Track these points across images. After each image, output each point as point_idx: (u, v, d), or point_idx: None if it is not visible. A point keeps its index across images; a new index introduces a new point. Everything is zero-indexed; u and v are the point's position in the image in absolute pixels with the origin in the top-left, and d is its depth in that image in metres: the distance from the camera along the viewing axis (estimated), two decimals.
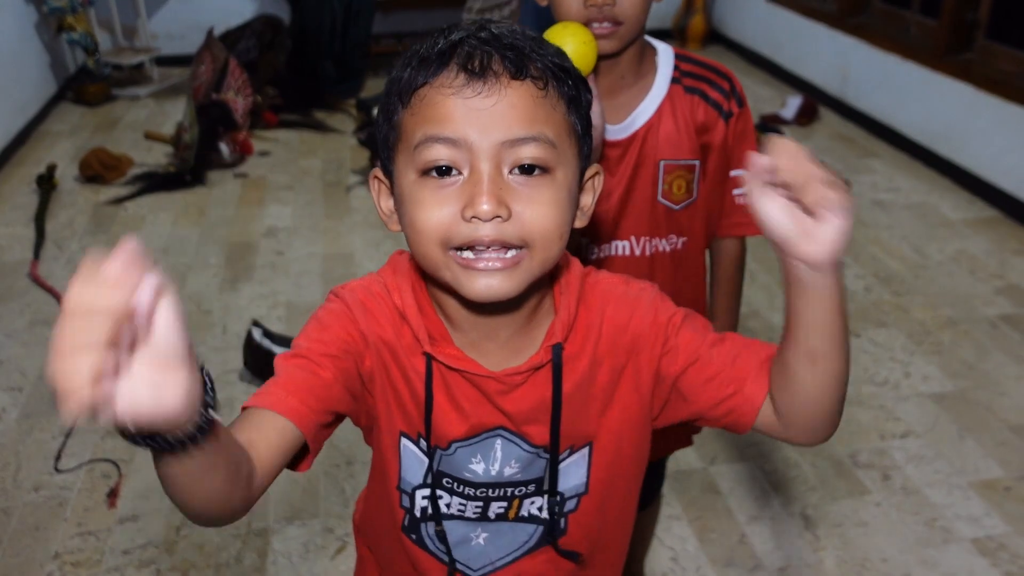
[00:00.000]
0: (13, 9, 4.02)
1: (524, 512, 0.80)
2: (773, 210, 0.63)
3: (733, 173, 1.17)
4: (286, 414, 0.70)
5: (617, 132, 1.11)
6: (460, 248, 0.66)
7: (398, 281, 0.76)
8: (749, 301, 2.66)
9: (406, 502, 0.81)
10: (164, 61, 4.91)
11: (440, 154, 0.65)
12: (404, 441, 0.78)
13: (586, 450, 0.79)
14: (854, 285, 2.75)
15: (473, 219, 0.65)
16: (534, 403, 0.76)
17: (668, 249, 1.18)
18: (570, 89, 0.69)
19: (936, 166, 3.57)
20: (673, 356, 0.76)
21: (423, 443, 0.78)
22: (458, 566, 0.82)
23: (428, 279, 0.74)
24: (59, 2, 4.21)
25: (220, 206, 3.35)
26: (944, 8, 3.49)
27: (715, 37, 5.47)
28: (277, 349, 2.30)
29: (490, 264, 0.66)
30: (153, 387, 0.46)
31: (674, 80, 1.13)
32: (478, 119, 0.64)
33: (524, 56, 0.66)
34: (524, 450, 0.77)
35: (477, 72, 0.65)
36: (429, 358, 0.74)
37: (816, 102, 4.22)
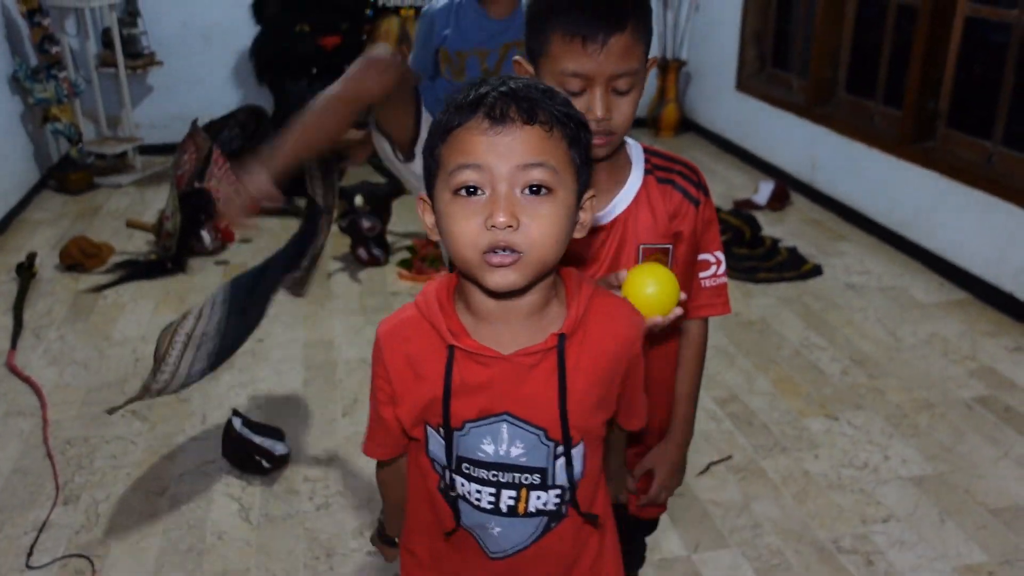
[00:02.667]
0: (1, 100, 4.08)
1: (532, 508, 0.98)
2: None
3: (700, 257, 1.26)
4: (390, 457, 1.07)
5: (599, 218, 1.18)
6: (485, 252, 0.86)
7: (426, 297, 0.97)
8: (727, 385, 2.68)
9: (438, 470, 1.00)
10: (147, 150, 4.97)
11: (469, 177, 0.86)
12: (428, 428, 0.98)
13: (581, 447, 0.98)
14: (830, 368, 2.78)
15: (492, 227, 0.85)
16: (539, 391, 0.93)
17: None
18: (571, 131, 0.89)
19: (906, 250, 3.66)
20: (627, 379, 1.01)
21: (441, 430, 0.96)
22: (479, 542, 1.01)
23: (460, 278, 0.95)
24: (45, 94, 4.28)
25: (201, 293, 3.35)
26: (906, 98, 3.63)
27: (687, 125, 5.63)
28: (257, 439, 2.29)
29: (502, 262, 0.87)
30: None
31: (647, 171, 1.22)
32: (496, 150, 0.85)
33: (535, 105, 0.86)
34: (528, 432, 0.94)
35: (498, 118, 0.85)
36: (451, 349, 0.93)
37: (787, 187, 4.34)
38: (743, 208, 4.15)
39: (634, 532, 1.46)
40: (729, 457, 2.34)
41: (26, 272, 3.40)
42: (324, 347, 2.95)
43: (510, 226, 0.84)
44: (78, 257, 3.53)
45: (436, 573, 1.09)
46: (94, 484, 2.25)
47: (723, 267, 1.29)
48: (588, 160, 0.91)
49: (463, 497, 0.98)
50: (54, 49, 4.36)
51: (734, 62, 5.00)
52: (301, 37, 4.52)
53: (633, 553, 1.49)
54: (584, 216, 0.93)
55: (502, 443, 0.95)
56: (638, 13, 1.09)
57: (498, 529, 0.99)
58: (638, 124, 5.57)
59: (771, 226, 3.97)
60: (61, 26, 4.52)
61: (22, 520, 2.12)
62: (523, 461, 0.95)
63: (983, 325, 3.07)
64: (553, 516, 0.99)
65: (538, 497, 0.97)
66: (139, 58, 4.81)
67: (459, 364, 0.93)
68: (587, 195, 0.93)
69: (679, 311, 1.08)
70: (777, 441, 2.42)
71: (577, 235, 0.93)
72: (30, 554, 2.00)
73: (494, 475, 0.96)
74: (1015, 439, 2.41)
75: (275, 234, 3.97)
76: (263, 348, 2.93)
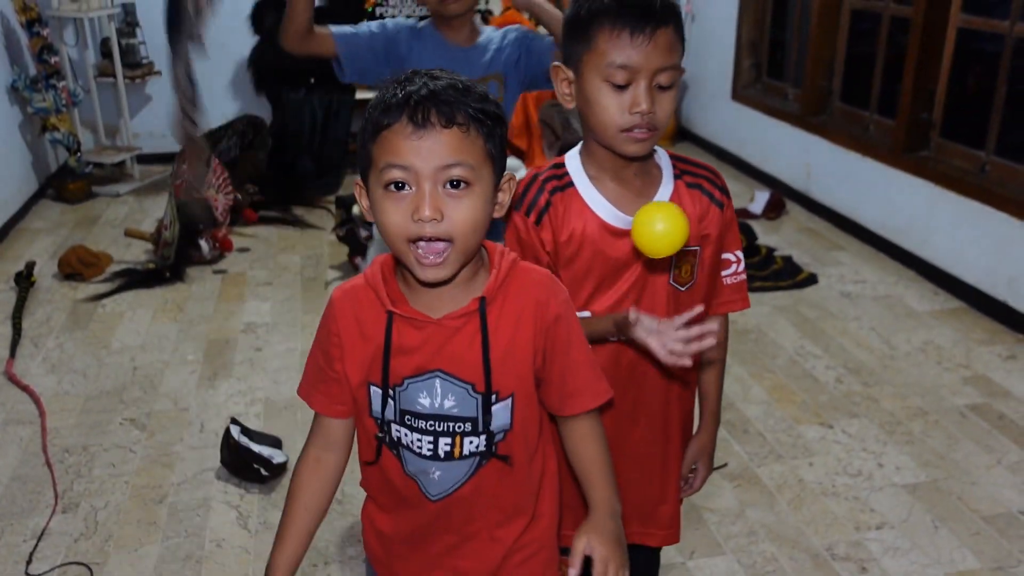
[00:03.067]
0: None
1: (465, 451, 1.08)
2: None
3: (722, 256, 1.32)
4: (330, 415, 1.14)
5: (632, 219, 1.19)
6: (413, 240, 0.98)
7: (372, 269, 1.08)
8: (723, 392, 2.69)
9: (381, 427, 1.10)
10: (145, 159, 4.99)
11: (396, 175, 0.97)
12: (371, 387, 1.09)
13: (509, 400, 1.07)
14: (825, 376, 2.80)
15: (419, 220, 0.96)
16: (465, 350, 1.05)
17: None
18: (487, 128, 0.99)
19: (901, 259, 3.68)
20: (553, 348, 1.08)
21: (382, 389, 1.07)
22: (420, 487, 1.11)
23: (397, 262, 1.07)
24: (44, 103, 4.30)
25: (199, 302, 3.37)
26: (900, 108, 3.66)
27: (684, 134, 5.66)
28: (255, 447, 2.30)
29: (431, 259, 0.98)
30: None
31: (676, 176, 1.27)
32: (420, 153, 0.95)
33: (454, 108, 0.96)
34: (458, 386, 1.06)
35: (420, 123, 0.95)
36: (390, 315, 1.05)
37: (783, 197, 4.36)
38: (739, 217, 4.17)
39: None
40: (724, 464, 2.35)
41: (25, 281, 3.41)
42: None
43: (435, 219, 0.96)
44: (76, 266, 3.54)
45: (393, 529, 1.18)
46: (93, 492, 2.26)
47: (742, 265, 1.35)
48: (503, 150, 1.02)
49: (407, 447, 1.09)
50: (53, 59, 4.38)
51: (729, 72, 5.04)
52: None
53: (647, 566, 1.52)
54: (502, 197, 1.05)
55: (436, 396, 1.06)
56: (678, 13, 1.17)
57: (438, 473, 1.10)
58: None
59: (767, 235, 3.99)
60: (60, 36, 4.55)
61: (21, 527, 2.13)
62: (455, 412, 1.07)
63: (977, 333, 3.09)
64: (484, 455, 1.10)
65: (471, 442, 1.08)
66: (137, 68, 4.83)
67: (397, 327, 1.05)
68: (505, 178, 1.04)
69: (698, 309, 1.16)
70: (772, 449, 2.43)
71: (496, 215, 1.04)
72: (29, 561, 2.01)
73: (431, 425, 1.07)
74: (1008, 447, 2.43)
75: (271, 243, 4.00)
76: (260, 357, 2.95)
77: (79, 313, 3.27)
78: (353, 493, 2.25)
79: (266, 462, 2.29)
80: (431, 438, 1.08)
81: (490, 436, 1.08)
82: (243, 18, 4.63)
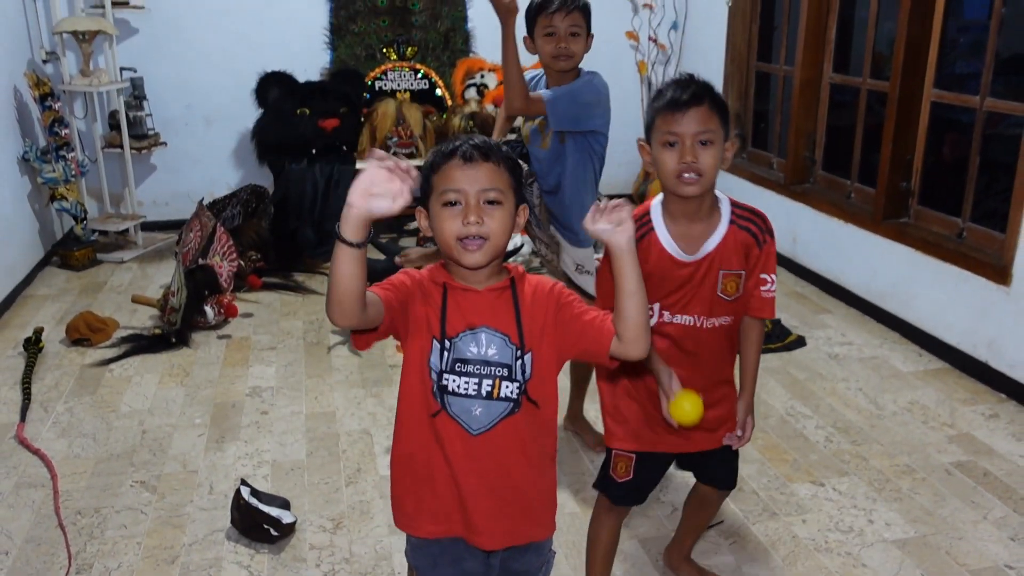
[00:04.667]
0: (10, 180, 4.23)
1: (503, 394, 1.44)
2: (604, 229, 1.36)
3: (761, 276, 1.78)
4: (380, 295, 1.40)
5: (692, 256, 1.73)
6: (461, 239, 1.38)
7: (429, 269, 1.48)
8: None
9: (433, 376, 1.44)
10: (148, 226, 5.11)
11: (451, 196, 1.39)
12: (434, 341, 1.43)
13: (530, 354, 1.45)
14: (815, 435, 2.90)
15: (467, 224, 1.37)
16: (503, 311, 1.44)
17: (718, 324, 1.80)
18: (510, 166, 1.42)
19: (885, 321, 3.81)
20: (567, 310, 1.45)
21: (440, 341, 1.43)
22: (463, 425, 1.44)
23: (446, 261, 1.46)
24: (54, 174, 4.43)
25: (205, 367, 3.45)
26: (880, 177, 3.83)
27: None
28: (264, 507, 2.36)
29: (473, 247, 1.39)
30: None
31: (732, 221, 1.75)
32: (468, 178, 1.39)
33: (488, 150, 1.41)
34: (498, 337, 1.44)
35: (467, 159, 1.39)
36: (445, 287, 1.44)
37: None
38: None
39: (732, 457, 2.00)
40: (721, 522, 2.43)
41: (33, 347, 3.49)
42: (326, 419, 3.04)
43: (478, 223, 1.37)
44: (84, 331, 3.63)
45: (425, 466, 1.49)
46: (105, 553, 2.31)
47: (775, 285, 1.79)
48: (520, 184, 1.45)
49: (453, 392, 1.43)
50: (64, 131, 4.53)
51: None
52: (301, 120, 4.71)
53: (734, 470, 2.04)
54: (520, 220, 1.45)
55: (482, 346, 1.43)
56: (714, 98, 1.66)
57: (479, 409, 1.44)
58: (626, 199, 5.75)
59: None
60: (71, 109, 4.70)
61: None
62: (496, 359, 1.43)
63: (960, 393, 3.20)
64: (515, 404, 1.44)
65: (506, 386, 1.44)
66: (144, 139, 4.98)
67: (451, 296, 1.44)
68: (520, 208, 1.45)
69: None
70: (766, 506, 2.51)
71: (515, 232, 1.46)
72: None
73: (477, 368, 1.43)
74: (993, 502, 2.52)
75: (274, 308, 4.10)
76: (267, 420, 3.02)
77: (87, 378, 3.35)
78: (361, 553, 2.31)
79: (275, 522, 2.35)
80: (476, 380, 1.43)
81: (521, 384, 1.44)
82: (248, 92, 4.80)
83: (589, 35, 2.51)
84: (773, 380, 3.31)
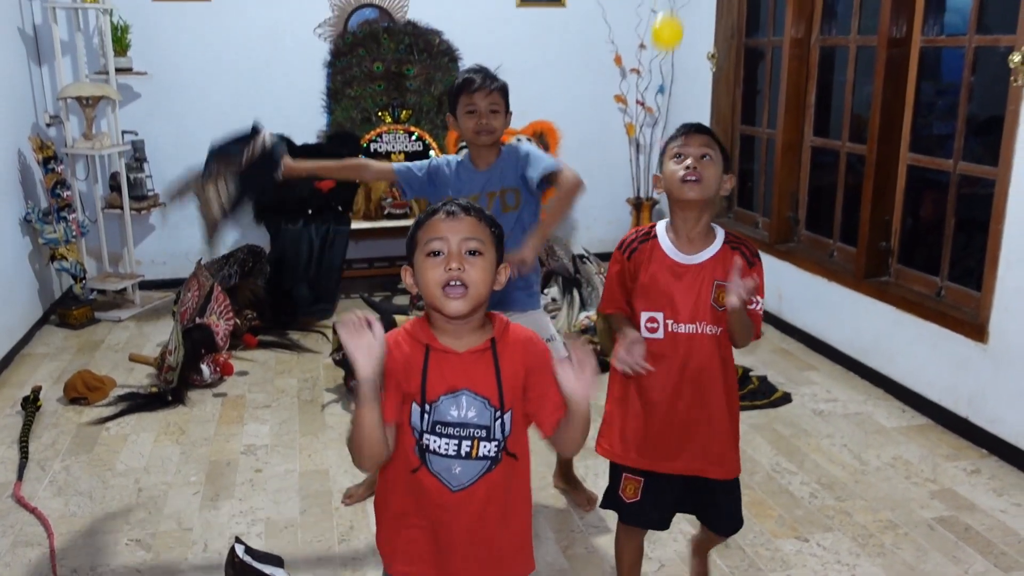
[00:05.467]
0: (12, 241, 4.32)
1: (481, 453, 1.50)
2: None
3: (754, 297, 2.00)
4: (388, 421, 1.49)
5: (691, 260, 1.96)
6: (444, 287, 1.44)
7: (410, 323, 1.54)
8: None
9: (416, 435, 1.49)
10: (146, 285, 5.20)
11: (435, 246, 1.47)
12: (414, 404, 1.49)
13: (510, 412, 1.51)
14: (800, 491, 2.95)
15: (449, 270, 1.44)
16: (483, 374, 1.50)
17: (711, 332, 1.95)
18: (489, 222, 1.51)
19: (869, 378, 3.89)
20: (536, 380, 1.53)
21: (420, 404, 1.48)
22: (443, 482, 1.51)
23: (428, 310, 1.51)
24: (55, 234, 4.52)
25: (200, 425, 3.50)
26: (860, 237, 3.94)
27: None
28: (258, 565, 2.40)
29: (455, 294, 1.44)
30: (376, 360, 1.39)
31: (726, 242, 1.97)
32: (451, 228, 1.47)
33: (469, 207, 1.50)
34: (479, 400, 1.49)
35: (450, 213, 1.48)
36: (427, 348, 1.50)
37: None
38: None
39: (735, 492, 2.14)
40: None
41: (31, 405, 3.54)
42: (319, 476, 3.08)
43: (460, 269, 1.43)
44: (82, 390, 3.68)
45: (412, 516, 1.56)
46: None
47: (762, 305, 1.97)
48: (501, 242, 1.54)
49: (434, 451, 1.50)
50: (65, 193, 4.63)
51: None
52: (298, 181, 4.83)
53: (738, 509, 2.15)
54: (501, 278, 1.53)
55: (462, 408, 1.49)
56: (716, 136, 1.97)
57: (459, 468, 1.51)
58: None
59: (742, 356, 4.19)
60: (73, 171, 4.82)
61: None
62: (475, 420, 1.49)
63: (943, 449, 3.26)
64: (493, 461, 1.51)
65: (484, 446, 1.50)
66: (144, 200, 5.09)
67: (433, 358, 1.49)
68: (501, 266, 1.53)
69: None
70: (752, 562, 2.56)
71: (495, 288, 1.52)
72: None
73: (456, 431, 1.49)
74: (975, 557, 2.56)
75: (269, 367, 4.16)
76: (261, 478, 3.06)
77: (84, 436, 3.39)
78: None
79: None
80: (456, 441, 1.49)
81: (499, 443, 1.51)
82: None
83: (508, 112, 2.68)
84: (759, 436, 3.37)
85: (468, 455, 1.50)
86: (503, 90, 2.65)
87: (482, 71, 2.66)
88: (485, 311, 1.54)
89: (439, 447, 1.49)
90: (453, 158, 2.78)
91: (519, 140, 2.79)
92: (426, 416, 1.48)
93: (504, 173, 2.65)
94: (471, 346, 1.50)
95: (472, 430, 1.49)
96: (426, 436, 1.49)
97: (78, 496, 2.94)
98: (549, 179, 2.60)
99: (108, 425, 3.49)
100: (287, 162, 2.73)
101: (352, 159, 2.92)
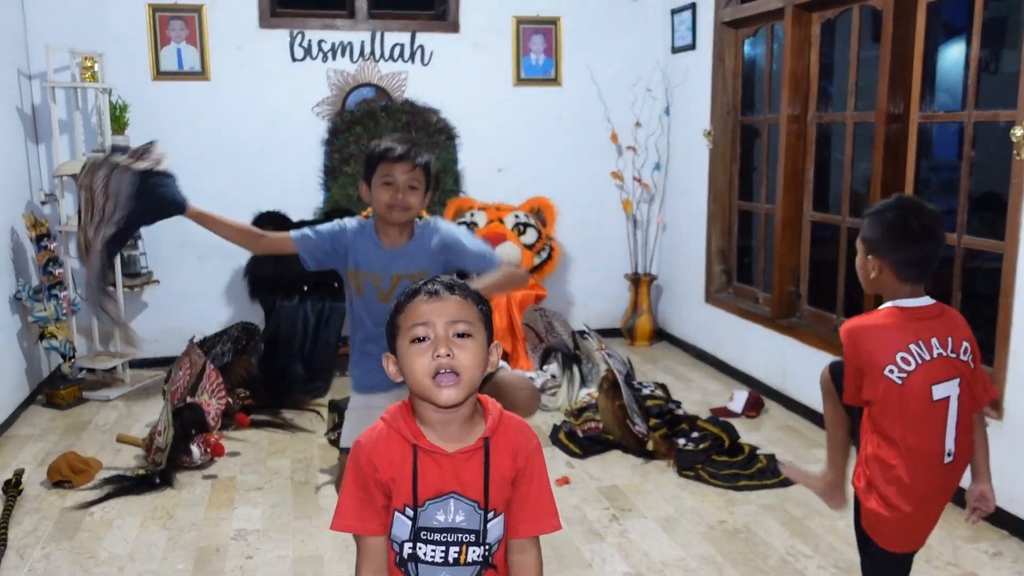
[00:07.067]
0: (1, 319, 4.23)
1: (470, 559, 1.39)
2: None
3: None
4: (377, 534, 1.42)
5: None
6: (434, 376, 1.33)
7: (392, 415, 1.41)
8: None
9: (396, 548, 1.41)
10: (137, 364, 5.09)
11: (419, 332, 1.36)
12: (396, 514, 1.39)
13: (502, 517, 1.41)
14: (817, 575, 2.82)
15: (438, 357, 1.33)
16: (472, 475, 1.38)
17: None
18: (476, 298, 1.41)
19: None
20: (521, 480, 1.42)
21: (408, 510, 1.38)
22: None
23: (413, 398, 1.40)
24: (45, 312, 4.44)
25: (189, 509, 3.36)
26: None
27: (661, 335, 5.88)
28: None
29: (447, 382, 1.33)
30: None
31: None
32: (435, 311, 1.36)
33: (454, 284, 1.40)
34: (467, 504, 1.38)
35: (433, 293, 1.37)
36: (415, 448, 1.37)
37: (761, 396, 4.50)
38: (720, 415, 4.29)
39: None
40: None
41: (13, 489, 3.40)
42: (313, 563, 2.94)
43: (449, 355, 1.32)
44: (66, 473, 3.54)
45: None
46: None
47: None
48: (491, 320, 1.43)
49: (420, 559, 1.39)
50: (58, 270, 4.57)
51: (701, 277, 5.33)
52: (293, 259, 4.78)
53: None
54: (492, 358, 1.41)
55: (450, 513, 1.38)
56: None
57: (445, 574, 1.39)
58: (613, 335, 5.82)
59: (748, 433, 4.09)
60: (66, 248, 4.77)
61: None
62: (463, 525, 1.38)
63: (961, 530, 3.14)
64: (482, 566, 1.41)
65: (473, 551, 1.39)
66: (137, 277, 5.03)
67: (420, 458, 1.37)
68: (492, 345, 1.42)
69: None
70: None
71: (489, 369, 1.41)
72: None
73: (444, 537, 1.38)
74: None
75: (261, 447, 4.03)
76: (251, 566, 2.92)
77: (67, 522, 3.24)
78: None
79: None
80: (443, 548, 1.38)
81: (488, 548, 1.40)
82: None
83: (428, 191, 2.48)
84: (770, 518, 3.24)
85: (456, 562, 1.39)
86: (426, 167, 2.46)
87: (408, 142, 2.46)
88: (476, 396, 1.43)
89: (425, 554, 1.39)
90: (353, 223, 2.55)
91: (434, 220, 2.59)
92: (411, 523, 1.38)
93: (416, 255, 2.46)
94: (462, 445, 1.39)
95: (460, 535, 1.38)
96: (408, 545, 1.39)
97: None
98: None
99: (92, 510, 3.35)
100: (189, 204, 2.56)
101: (249, 226, 2.70)
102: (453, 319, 1.35)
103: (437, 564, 1.38)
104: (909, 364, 2.00)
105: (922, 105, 3.68)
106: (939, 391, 2.01)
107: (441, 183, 5.52)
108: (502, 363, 2.55)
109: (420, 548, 1.38)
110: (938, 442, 2.03)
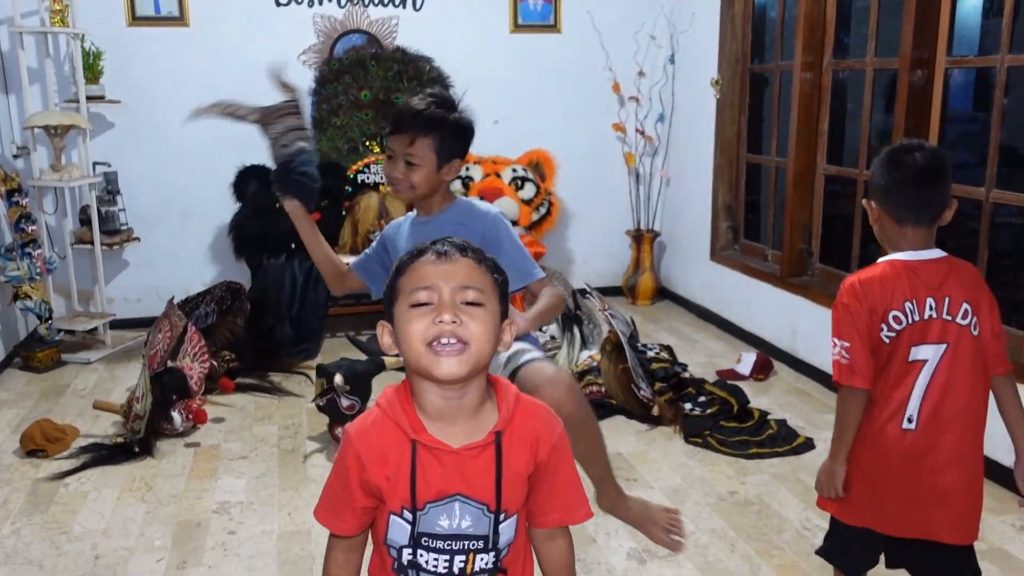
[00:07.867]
0: None
1: (477, 568, 1.21)
2: None
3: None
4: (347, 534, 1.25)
5: None
6: (431, 343, 1.12)
7: (388, 400, 1.21)
8: (732, 574, 2.54)
9: (394, 554, 1.23)
10: (118, 324, 4.88)
11: (422, 296, 1.15)
12: (392, 517, 1.20)
13: (515, 517, 1.23)
14: None
15: (440, 323, 1.12)
16: (481, 475, 1.18)
17: None
18: (491, 265, 1.21)
19: None
20: (543, 473, 1.24)
21: (407, 513, 1.18)
22: None
23: (411, 379, 1.19)
24: (18, 272, 4.22)
25: (169, 480, 3.18)
26: None
27: (664, 294, 5.69)
28: None
29: (448, 350, 1.12)
30: None
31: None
32: (442, 274, 1.15)
33: (468, 249, 1.20)
34: (475, 507, 1.18)
35: (442, 253, 1.17)
36: (414, 443, 1.17)
37: (769, 357, 4.32)
38: (727, 378, 4.11)
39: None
40: None
41: None
42: (300, 538, 2.76)
43: (455, 322, 1.12)
44: (40, 442, 3.36)
45: None
46: None
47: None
48: (506, 291, 1.23)
49: (421, 567, 1.21)
50: (31, 227, 4.33)
51: (707, 233, 5.11)
52: (281, 213, 4.54)
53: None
54: (506, 337, 1.21)
55: (455, 518, 1.19)
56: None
57: None
58: (614, 293, 5.62)
59: (757, 397, 3.91)
60: (39, 205, 4.53)
61: None
62: (470, 531, 1.20)
63: (986, 501, 2.96)
64: (491, 573, 1.24)
65: (482, 559, 1.21)
66: (116, 234, 4.80)
67: (420, 455, 1.17)
68: (506, 323, 1.21)
69: None
70: None
71: (500, 349, 1.21)
72: None
73: (448, 544, 1.19)
74: None
75: (247, 412, 3.85)
76: (235, 541, 2.74)
77: (39, 494, 3.06)
78: None
79: None
80: (447, 556, 1.20)
81: (498, 553, 1.22)
82: (226, 185, 4.66)
83: (442, 166, 2.23)
84: (784, 488, 3.07)
85: (462, 572, 1.21)
86: (432, 140, 2.19)
87: (410, 110, 2.21)
88: (486, 377, 1.22)
89: (426, 562, 1.20)
90: (403, 219, 2.46)
91: (493, 210, 2.37)
92: (409, 527, 1.19)
93: (447, 225, 2.23)
94: (469, 440, 1.18)
95: (467, 542, 1.20)
96: (407, 551, 1.20)
97: (27, 565, 2.61)
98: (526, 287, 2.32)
99: (67, 481, 3.16)
100: (296, 206, 2.36)
101: (340, 260, 2.53)
102: (463, 284, 1.15)
103: (441, 575, 1.21)
104: (900, 323, 1.81)
105: (950, 49, 3.44)
106: (917, 352, 1.81)
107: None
108: (530, 346, 2.34)
109: (421, 556, 1.20)
110: (898, 402, 1.82)
